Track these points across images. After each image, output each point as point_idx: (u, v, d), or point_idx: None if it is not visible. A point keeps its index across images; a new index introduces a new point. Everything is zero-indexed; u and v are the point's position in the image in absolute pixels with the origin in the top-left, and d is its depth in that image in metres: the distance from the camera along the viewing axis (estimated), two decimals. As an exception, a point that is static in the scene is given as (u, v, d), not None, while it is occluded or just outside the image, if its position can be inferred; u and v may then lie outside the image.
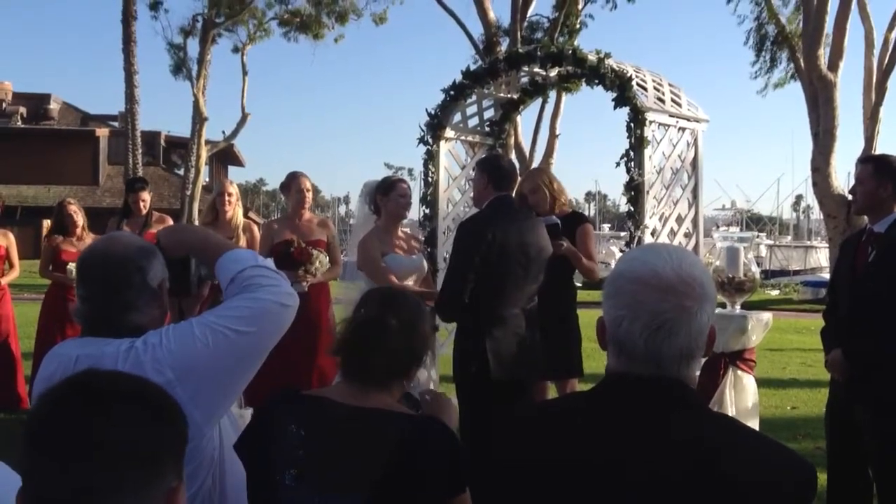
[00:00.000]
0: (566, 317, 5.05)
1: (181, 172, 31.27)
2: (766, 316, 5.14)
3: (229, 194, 6.00)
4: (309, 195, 5.77)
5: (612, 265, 2.09)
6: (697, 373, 1.58)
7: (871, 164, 4.00)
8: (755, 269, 5.23)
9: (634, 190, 5.76)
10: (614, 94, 5.87)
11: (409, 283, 4.87)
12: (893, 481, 3.79)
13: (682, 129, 6.16)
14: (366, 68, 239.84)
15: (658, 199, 5.94)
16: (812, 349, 9.85)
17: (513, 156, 14.57)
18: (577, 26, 18.89)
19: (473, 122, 7.47)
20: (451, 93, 6.92)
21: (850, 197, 5.80)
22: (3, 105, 38.12)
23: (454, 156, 7.37)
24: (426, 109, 7.04)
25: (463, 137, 7.41)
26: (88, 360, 1.79)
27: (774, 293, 26.88)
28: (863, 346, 3.84)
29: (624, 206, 6.02)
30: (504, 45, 17.14)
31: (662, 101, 5.99)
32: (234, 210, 6.01)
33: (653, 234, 5.85)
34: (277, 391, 2.09)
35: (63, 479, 1.11)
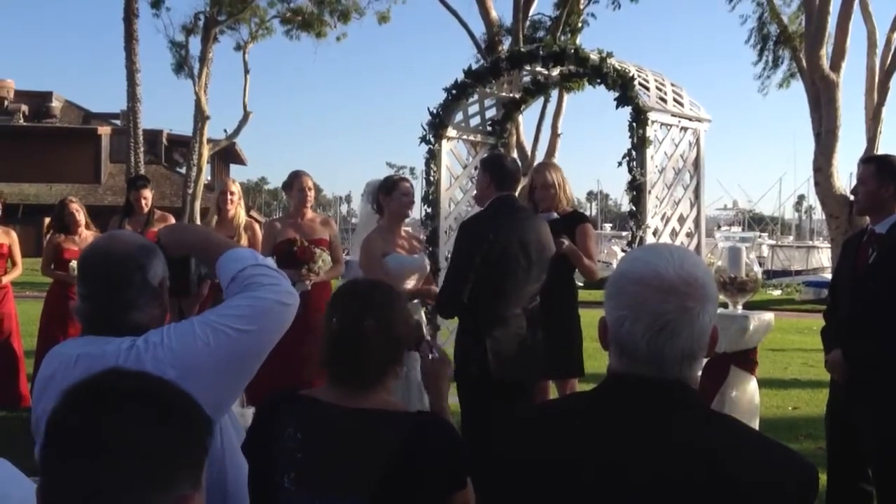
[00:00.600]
0: (567, 316, 5.05)
1: (183, 171, 31.27)
2: (768, 316, 5.13)
3: (232, 193, 6.02)
4: (311, 194, 5.78)
5: (614, 265, 2.08)
6: (699, 373, 1.58)
7: (873, 165, 3.99)
8: (757, 269, 5.22)
9: (636, 189, 5.76)
10: (616, 94, 5.87)
11: (411, 283, 4.88)
12: (893, 482, 3.78)
13: (685, 129, 6.16)
14: (368, 67, 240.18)
15: (660, 199, 5.94)
16: (813, 349, 9.82)
17: (514, 155, 14.56)
18: (579, 25, 18.85)
19: (475, 121, 7.48)
20: (453, 92, 6.93)
21: (852, 197, 5.80)
22: (6, 103, 38.14)
23: (456, 155, 7.38)
24: (428, 108, 7.05)
25: (465, 136, 7.42)
26: (89, 359, 1.79)
27: (776, 293, 26.85)
28: (863, 347, 3.83)
29: (626, 206, 6.03)
30: (506, 45, 17.12)
31: (665, 100, 6.00)
32: (237, 209, 6.02)
33: (655, 233, 5.85)
34: (275, 392, 2.09)
35: (69, 479, 1.10)
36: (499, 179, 4.23)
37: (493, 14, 18.05)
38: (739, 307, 5.02)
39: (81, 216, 6.80)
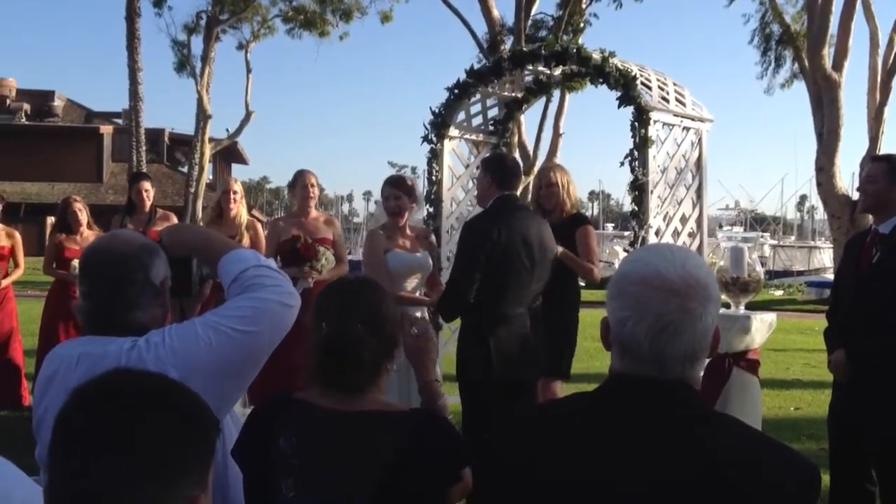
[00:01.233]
0: (566, 317, 5.02)
1: (185, 170, 31.26)
2: (770, 316, 5.12)
3: (234, 192, 6.02)
4: (315, 191, 5.78)
5: (616, 265, 2.08)
6: (701, 373, 1.58)
7: (885, 163, 3.95)
8: (759, 270, 5.21)
9: (638, 189, 5.75)
10: (619, 93, 5.86)
11: (413, 281, 4.88)
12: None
13: (687, 129, 6.15)
14: (370, 66, 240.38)
15: (662, 199, 5.94)
16: (816, 350, 9.82)
17: (516, 154, 14.56)
18: (582, 25, 18.89)
19: (477, 120, 7.47)
20: (455, 91, 6.93)
21: (855, 196, 5.78)
22: (8, 102, 38.19)
23: (458, 154, 7.38)
24: (430, 108, 7.05)
25: (467, 136, 7.42)
26: (90, 360, 1.79)
27: (778, 293, 26.84)
28: (866, 347, 3.82)
29: (628, 206, 6.03)
30: (508, 44, 17.13)
31: (667, 100, 5.99)
32: (239, 208, 6.03)
33: (657, 233, 5.84)
34: (267, 399, 2.06)
35: (77, 479, 1.10)
36: (500, 179, 4.22)
37: (496, 13, 18.08)
38: (741, 307, 5.01)
39: (84, 216, 6.80)
